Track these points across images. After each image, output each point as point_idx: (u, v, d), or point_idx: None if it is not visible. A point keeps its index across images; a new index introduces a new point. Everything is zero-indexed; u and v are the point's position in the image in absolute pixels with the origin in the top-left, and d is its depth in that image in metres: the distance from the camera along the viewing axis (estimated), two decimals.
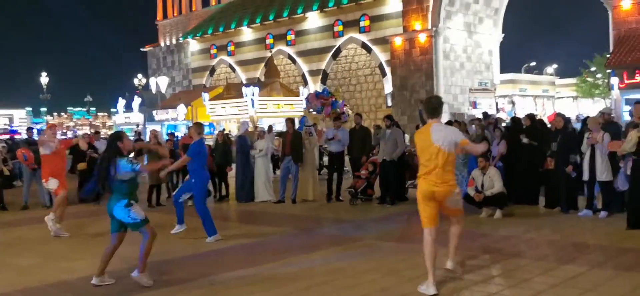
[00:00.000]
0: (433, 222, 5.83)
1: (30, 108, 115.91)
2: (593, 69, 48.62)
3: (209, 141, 17.35)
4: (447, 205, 5.98)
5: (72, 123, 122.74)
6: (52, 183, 9.86)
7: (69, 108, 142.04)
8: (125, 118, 42.89)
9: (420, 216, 5.91)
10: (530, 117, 12.14)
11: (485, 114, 16.48)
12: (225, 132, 20.58)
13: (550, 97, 47.32)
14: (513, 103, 40.46)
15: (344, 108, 22.61)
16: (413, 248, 6.65)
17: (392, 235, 8.96)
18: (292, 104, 33.23)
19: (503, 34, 37.41)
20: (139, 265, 6.34)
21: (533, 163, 11.26)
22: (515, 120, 13.10)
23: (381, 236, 8.91)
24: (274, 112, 32.04)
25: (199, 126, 9.62)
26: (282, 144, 13.63)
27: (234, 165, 14.10)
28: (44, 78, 48.08)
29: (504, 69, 39.72)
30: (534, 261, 6.90)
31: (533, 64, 54.13)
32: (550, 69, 54.22)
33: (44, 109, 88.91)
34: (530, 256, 7.15)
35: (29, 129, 18.86)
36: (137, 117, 41.14)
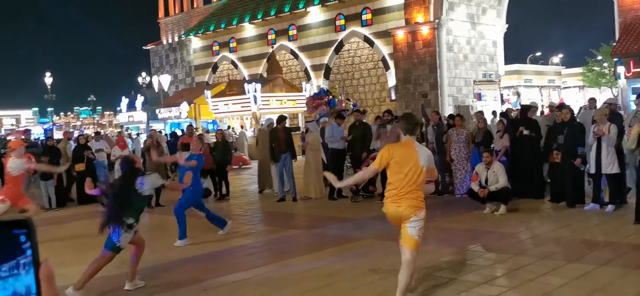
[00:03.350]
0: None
1: (36, 109, 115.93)
2: (599, 58, 48.14)
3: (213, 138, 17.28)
4: (407, 227, 5.09)
5: (79, 123, 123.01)
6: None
7: (75, 108, 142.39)
8: (129, 117, 42.73)
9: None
10: (523, 109, 11.98)
11: (507, 111, 15.53)
12: (229, 129, 20.52)
13: (556, 87, 46.82)
14: (518, 94, 40.07)
15: (343, 104, 22.18)
16: None
17: (392, 233, 8.67)
18: (295, 100, 32.96)
19: (507, 25, 37.02)
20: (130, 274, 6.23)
21: (537, 157, 11.01)
22: (521, 110, 12.77)
23: (381, 235, 8.65)
24: (277, 108, 31.73)
25: (201, 139, 10.04)
26: (276, 141, 13.34)
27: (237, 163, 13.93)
28: (48, 79, 47.96)
29: (508, 60, 39.30)
30: (540, 259, 6.66)
31: (538, 54, 53.62)
32: (556, 58, 53.65)
33: (50, 109, 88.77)
34: (536, 255, 6.90)
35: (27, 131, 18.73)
36: (140, 115, 40.95)
